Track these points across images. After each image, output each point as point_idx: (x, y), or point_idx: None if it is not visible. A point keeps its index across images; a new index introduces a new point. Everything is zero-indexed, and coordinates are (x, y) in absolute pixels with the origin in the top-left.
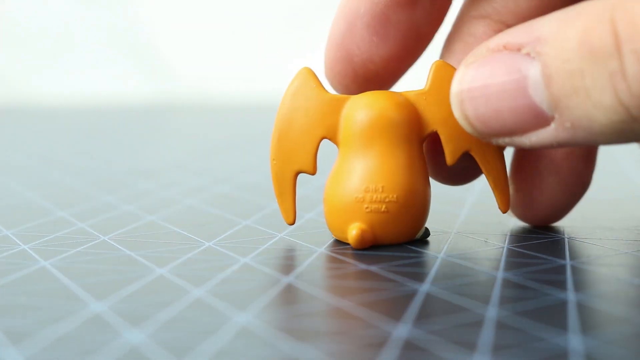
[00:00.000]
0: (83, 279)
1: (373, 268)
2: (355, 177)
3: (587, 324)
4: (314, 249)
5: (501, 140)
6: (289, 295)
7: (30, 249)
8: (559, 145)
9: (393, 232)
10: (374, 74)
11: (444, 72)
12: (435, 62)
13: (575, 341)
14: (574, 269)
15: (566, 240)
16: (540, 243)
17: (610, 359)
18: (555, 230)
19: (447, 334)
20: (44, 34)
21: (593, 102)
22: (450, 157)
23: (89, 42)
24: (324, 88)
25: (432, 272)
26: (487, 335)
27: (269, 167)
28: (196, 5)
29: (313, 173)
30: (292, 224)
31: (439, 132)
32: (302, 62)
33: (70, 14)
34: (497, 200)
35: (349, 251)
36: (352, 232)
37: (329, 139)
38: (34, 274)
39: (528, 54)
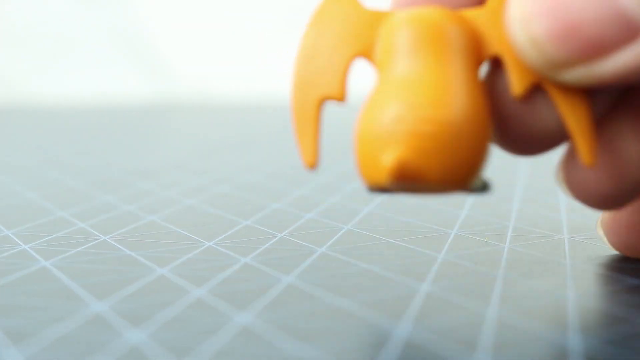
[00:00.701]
0: (84, 279)
1: (373, 267)
2: (396, 92)
3: (587, 324)
4: (315, 249)
5: (575, 72)
6: (290, 295)
7: (30, 249)
8: None
9: (442, 163)
10: None
11: None
12: None
13: (574, 340)
14: (574, 269)
15: (566, 240)
16: (540, 243)
17: (610, 359)
18: (555, 230)
19: (448, 333)
20: (44, 34)
21: None
22: (518, 86)
23: (89, 42)
24: (360, 3)
25: (433, 272)
26: (487, 334)
27: (290, 102)
28: (196, 5)
29: (342, 99)
30: (314, 166)
31: (502, 56)
32: None
33: (70, 14)
34: (579, 150)
35: (350, 251)
36: (388, 159)
37: (365, 58)
38: (34, 273)
39: None
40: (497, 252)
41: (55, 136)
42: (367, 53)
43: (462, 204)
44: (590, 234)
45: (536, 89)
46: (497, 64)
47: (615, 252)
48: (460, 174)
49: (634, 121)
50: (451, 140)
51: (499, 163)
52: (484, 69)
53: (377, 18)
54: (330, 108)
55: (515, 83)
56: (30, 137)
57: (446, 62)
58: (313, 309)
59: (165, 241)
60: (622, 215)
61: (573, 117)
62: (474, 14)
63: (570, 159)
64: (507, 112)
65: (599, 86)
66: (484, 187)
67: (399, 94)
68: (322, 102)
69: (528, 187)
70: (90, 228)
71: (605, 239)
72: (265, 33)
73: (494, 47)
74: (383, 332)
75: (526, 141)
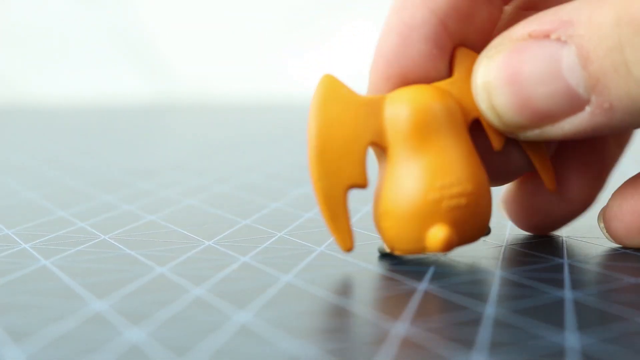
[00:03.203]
0: (83, 277)
1: (372, 266)
2: (423, 177)
3: (585, 322)
4: (313, 248)
5: (530, 133)
6: (289, 293)
7: (30, 248)
8: (593, 131)
9: (473, 227)
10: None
11: (469, 59)
12: (458, 49)
13: (572, 339)
14: (572, 268)
15: (564, 238)
16: (538, 242)
17: (607, 357)
18: None
19: (445, 331)
20: (44, 34)
21: (634, 77)
22: (497, 142)
23: (89, 42)
24: (354, 91)
25: (431, 270)
26: (484, 332)
27: (312, 189)
28: (196, 5)
29: (365, 186)
30: (351, 250)
31: (480, 118)
32: (302, 62)
33: (70, 14)
34: (545, 180)
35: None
36: (439, 235)
37: (377, 144)
38: (34, 273)
39: (559, 39)
40: (496, 251)
41: (55, 136)
42: (378, 139)
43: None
44: (588, 232)
45: (507, 140)
46: (475, 125)
47: (612, 252)
48: (482, 229)
49: (577, 163)
50: (477, 205)
51: None
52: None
53: (378, 103)
54: None
55: (494, 141)
56: (30, 137)
57: (452, 138)
58: (311, 307)
59: (164, 240)
60: (629, 203)
61: (538, 158)
62: (447, 85)
63: (517, 193)
64: (488, 159)
65: (551, 141)
66: (488, 231)
67: (427, 178)
68: (347, 191)
69: None
70: (90, 227)
71: (605, 232)
72: (265, 33)
73: (473, 112)
74: (381, 331)
75: (501, 177)
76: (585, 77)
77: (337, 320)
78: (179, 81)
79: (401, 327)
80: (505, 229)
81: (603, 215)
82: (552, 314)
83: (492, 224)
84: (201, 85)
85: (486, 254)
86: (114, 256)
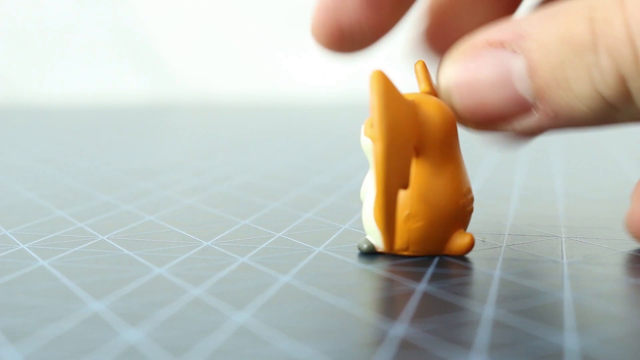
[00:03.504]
0: (81, 278)
1: (370, 267)
2: (455, 182)
3: (583, 323)
4: (312, 249)
5: (485, 130)
6: (287, 294)
7: (28, 249)
8: (542, 131)
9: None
10: (361, 36)
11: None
12: (418, 62)
13: (571, 340)
14: (571, 268)
15: (563, 239)
16: (537, 242)
17: (606, 358)
18: (552, 230)
19: (444, 332)
20: (44, 34)
21: (574, 92)
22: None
23: (89, 42)
24: (398, 89)
25: (429, 271)
26: (483, 334)
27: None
28: (196, 5)
29: (407, 188)
30: (392, 251)
31: None
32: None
33: (70, 14)
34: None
35: (347, 251)
36: (466, 239)
37: (415, 147)
38: (32, 273)
39: (512, 50)
40: (494, 252)
41: (54, 136)
42: (417, 143)
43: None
44: (587, 233)
45: None
46: None
47: (611, 252)
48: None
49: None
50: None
51: (498, 163)
52: None
53: (414, 107)
54: (329, 110)
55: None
56: (30, 137)
57: (459, 147)
58: (310, 308)
59: (163, 241)
60: None
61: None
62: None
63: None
64: None
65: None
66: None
67: (459, 184)
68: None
69: (525, 187)
70: (88, 228)
71: (633, 236)
72: (265, 33)
73: None
74: (379, 332)
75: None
76: (533, 87)
77: (336, 321)
78: (179, 81)
79: (399, 328)
80: (504, 229)
81: (627, 220)
82: (551, 315)
83: (492, 224)
84: (201, 85)
85: (485, 254)
86: (112, 256)
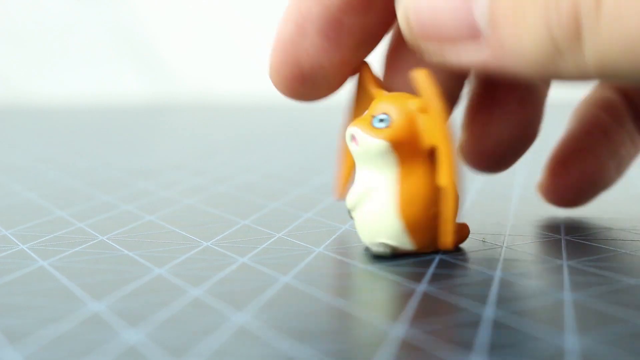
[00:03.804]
0: (81, 278)
1: (370, 268)
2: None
3: (584, 324)
4: (312, 249)
5: (432, 47)
6: (287, 295)
7: (28, 249)
8: (483, 66)
9: None
10: (323, 78)
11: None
12: (419, 71)
13: (571, 341)
14: (571, 269)
15: (563, 240)
16: (537, 243)
17: (607, 359)
18: (553, 230)
19: (444, 333)
20: (44, 34)
21: (526, 23)
22: (443, 180)
23: (89, 42)
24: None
25: (430, 272)
26: (483, 334)
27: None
28: (196, 5)
29: None
30: (341, 198)
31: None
32: None
33: (71, 14)
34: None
35: (347, 251)
36: (467, 230)
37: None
38: (32, 273)
39: None
40: (495, 252)
41: (54, 136)
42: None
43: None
44: (588, 233)
45: None
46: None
47: (612, 253)
48: None
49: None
50: None
51: None
52: None
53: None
54: (329, 110)
55: (442, 176)
56: (30, 137)
57: None
58: (310, 308)
59: (163, 241)
60: (561, 179)
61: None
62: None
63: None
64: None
65: (456, 69)
66: None
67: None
68: None
69: (525, 187)
70: (88, 228)
71: (544, 198)
72: (266, 33)
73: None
74: (379, 332)
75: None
76: (489, 13)
77: (336, 321)
78: (179, 81)
79: (400, 329)
80: (504, 229)
81: (540, 189)
82: (552, 316)
83: (492, 224)
84: (201, 85)
85: (485, 255)
86: (112, 257)
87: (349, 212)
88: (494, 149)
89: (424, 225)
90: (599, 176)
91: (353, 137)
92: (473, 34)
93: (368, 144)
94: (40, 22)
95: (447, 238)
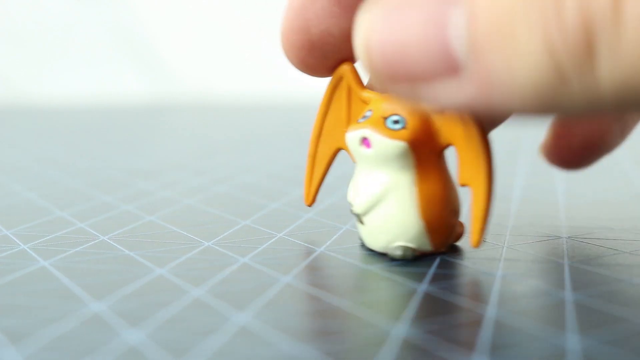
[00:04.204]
0: (82, 278)
1: (371, 268)
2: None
3: (585, 324)
4: (313, 249)
5: (401, 88)
6: (288, 295)
7: (29, 249)
8: (468, 106)
9: None
10: (332, 48)
11: None
12: None
13: (573, 341)
14: (573, 269)
15: (565, 240)
16: (538, 243)
17: (608, 359)
18: (553, 230)
19: (446, 333)
20: (44, 34)
21: (517, 44)
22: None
23: (89, 42)
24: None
25: (431, 272)
26: (485, 334)
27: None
28: (196, 5)
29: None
30: (311, 205)
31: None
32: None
33: (71, 14)
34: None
35: (348, 251)
36: (462, 228)
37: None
38: (33, 273)
39: None
40: (496, 252)
41: (54, 136)
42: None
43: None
44: (589, 233)
45: None
46: None
47: (613, 253)
48: None
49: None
50: None
51: (498, 164)
52: None
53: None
54: None
55: (463, 175)
56: (30, 137)
57: None
58: (311, 308)
59: (163, 241)
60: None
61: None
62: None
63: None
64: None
65: (428, 106)
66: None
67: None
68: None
69: (526, 188)
70: (89, 228)
71: (546, 160)
72: (266, 33)
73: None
74: (381, 332)
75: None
76: (469, 38)
77: (337, 321)
78: (179, 81)
79: (401, 329)
80: (505, 229)
81: (543, 151)
82: (553, 316)
83: (493, 224)
84: (201, 85)
85: (486, 255)
86: (113, 257)
87: (358, 217)
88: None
89: (442, 225)
90: (603, 139)
91: (364, 140)
92: (451, 67)
93: (385, 146)
94: (40, 22)
95: (477, 237)
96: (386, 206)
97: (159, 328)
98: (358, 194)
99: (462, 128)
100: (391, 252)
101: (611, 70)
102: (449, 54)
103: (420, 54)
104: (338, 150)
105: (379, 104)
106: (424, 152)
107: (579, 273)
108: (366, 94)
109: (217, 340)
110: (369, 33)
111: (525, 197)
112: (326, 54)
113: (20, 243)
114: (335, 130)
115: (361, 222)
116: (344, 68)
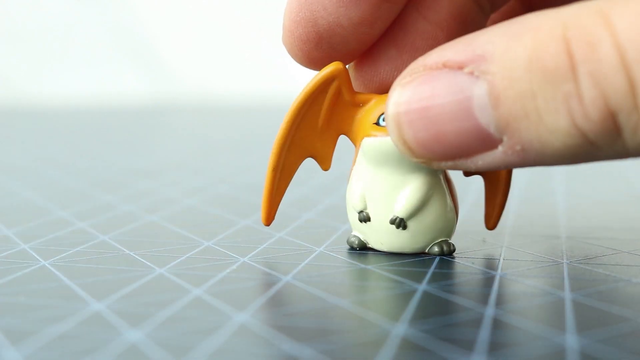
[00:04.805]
0: (83, 278)
1: (371, 267)
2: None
3: (584, 323)
4: (313, 249)
5: (444, 164)
6: (288, 294)
7: (30, 249)
8: (507, 167)
9: None
10: (341, 40)
11: None
12: None
13: (572, 340)
14: (572, 269)
15: (563, 239)
16: (538, 242)
17: (607, 358)
18: (552, 230)
19: (445, 332)
20: (44, 34)
21: (546, 125)
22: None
23: (90, 43)
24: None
25: (430, 271)
26: (484, 334)
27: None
28: (196, 5)
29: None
30: (268, 225)
31: None
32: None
33: (71, 14)
34: (485, 217)
35: (348, 251)
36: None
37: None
38: (34, 273)
39: (472, 73)
40: (495, 252)
41: (55, 136)
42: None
43: (460, 204)
44: (588, 233)
45: None
46: None
47: (612, 252)
48: None
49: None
50: None
51: None
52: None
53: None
54: None
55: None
56: (30, 137)
57: None
58: (311, 308)
59: (164, 241)
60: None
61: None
62: None
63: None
64: None
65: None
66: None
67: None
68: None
69: (526, 187)
70: (89, 228)
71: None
72: (266, 33)
73: None
74: (380, 332)
75: None
76: (496, 118)
77: (337, 321)
78: (179, 81)
79: (400, 328)
80: (504, 229)
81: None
82: (553, 315)
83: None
84: (201, 85)
85: (485, 254)
86: (113, 257)
87: (401, 224)
88: None
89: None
90: None
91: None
92: (486, 143)
93: (383, 142)
94: (40, 22)
95: (495, 221)
96: (430, 207)
97: (159, 328)
98: (397, 200)
99: None
100: (433, 249)
101: (637, 140)
102: (483, 133)
103: (455, 140)
104: (304, 160)
105: (379, 105)
106: None
107: (578, 273)
108: (364, 95)
109: (217, 339)
110: (402, 126)
111: (525, 197)
112: (334, 46)
113: (20, 243)
114: (307, 139)
115: (404, 227)
116: (339, 69)
